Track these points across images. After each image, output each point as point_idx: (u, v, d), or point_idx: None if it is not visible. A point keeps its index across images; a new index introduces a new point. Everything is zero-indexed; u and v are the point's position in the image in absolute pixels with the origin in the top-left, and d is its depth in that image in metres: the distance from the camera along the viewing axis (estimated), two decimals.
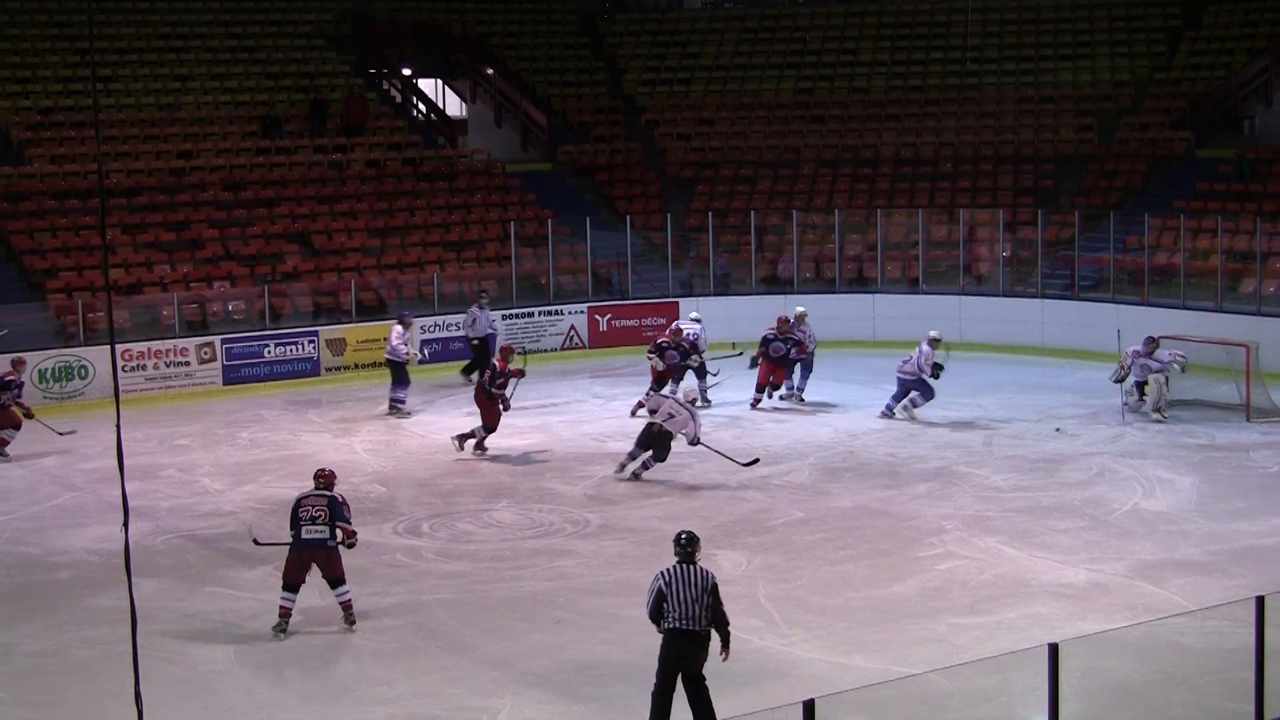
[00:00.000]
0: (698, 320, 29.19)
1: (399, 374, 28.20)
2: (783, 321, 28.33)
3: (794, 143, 41.17)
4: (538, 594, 17.98)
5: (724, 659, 13.59)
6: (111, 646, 15.98)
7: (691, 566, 13.62)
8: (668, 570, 13.62)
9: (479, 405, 25.03)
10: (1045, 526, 20.16)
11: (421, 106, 43.23)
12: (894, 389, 26.97)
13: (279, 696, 15.14)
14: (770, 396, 28.17)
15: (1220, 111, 39.66)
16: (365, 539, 20.14)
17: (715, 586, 13.61)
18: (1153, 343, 26.04)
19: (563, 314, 34.33)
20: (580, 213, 36.91)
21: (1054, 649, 11.08)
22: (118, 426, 9.89)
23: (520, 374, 25.07)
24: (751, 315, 34.45)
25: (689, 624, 13.43)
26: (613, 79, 44.26)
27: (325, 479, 17.16)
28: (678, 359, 27.60)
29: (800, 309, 29.11)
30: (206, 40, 40.30)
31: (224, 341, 30.82)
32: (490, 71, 43.37)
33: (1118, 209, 35.47)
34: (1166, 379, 26.21)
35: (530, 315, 34.00)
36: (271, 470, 24.21)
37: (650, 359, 27.86)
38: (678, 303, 35.03)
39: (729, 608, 16.99)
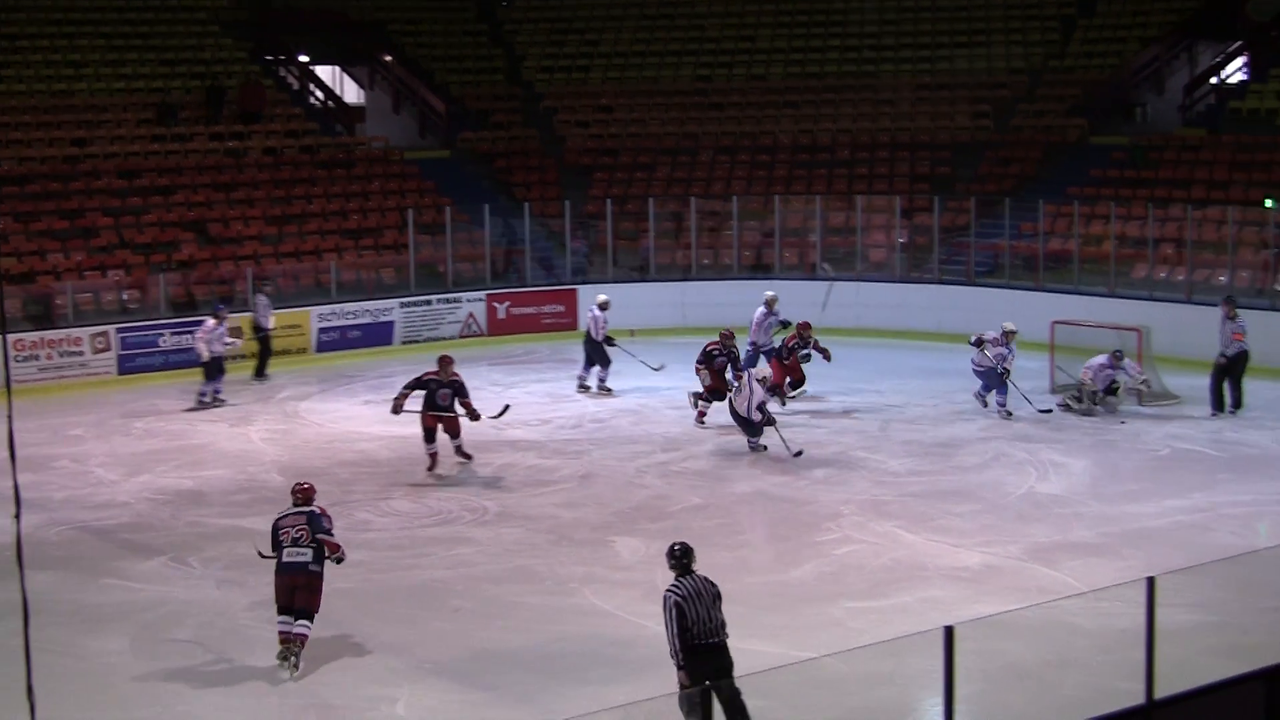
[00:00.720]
0: (604, 307, 28.81)
1: (211, 369, 27.80)
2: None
3: (692, 130, 41.24)
4: (436, 582, 17.94)
5: None
6: (3, 640, 15.77)
7: (694, 576, 12.94)
8: (676, 585, 12.83)
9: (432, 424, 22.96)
10: (941, 510, 20.32)
11: (319, 94, 42.94)
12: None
13: (175, 688, 15.01)
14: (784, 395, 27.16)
15: (1113, 99, 40.08)
16: (262, 528, 19.96)
17: (719, 594, 12.97)
18: (1119, 356, 25.80)
19: (461, 301, 34.23)
20: (479, 200, 36.81)
21: (949, 631, 11.15)
22: (9, 417, 9.77)
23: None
24: (651, 302, 34.62)
25: (713, 637, 12.74)
26: (511, 66, 44.15)
27: (304, 494, 15.95)
28: (726, 364, 26.12)
29: (771, 293, 29.11)
30: (100, 26, 39.81)
31: (119, 331, 30.50)
32: (388, 58, 43.18)
33: (1013, 195, 35.76)
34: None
35: (428, 303, 33.88)
36: (167, 460, 24.00)
37: (699, 372, 26.14)
38: (576, 290, 35.03)
39: (628, 594, 17.06)
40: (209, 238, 34.60)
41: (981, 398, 26.22)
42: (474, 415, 22.55)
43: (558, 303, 35.02)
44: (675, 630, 12.58)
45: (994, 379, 25.81)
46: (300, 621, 15.31)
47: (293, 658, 15.10)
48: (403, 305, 33.45)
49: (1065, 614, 15.98)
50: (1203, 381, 26.35)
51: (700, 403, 25.73)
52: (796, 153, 40.19)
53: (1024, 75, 41.55)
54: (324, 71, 44.57)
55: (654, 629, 16.05)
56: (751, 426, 23.27)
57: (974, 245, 34.92)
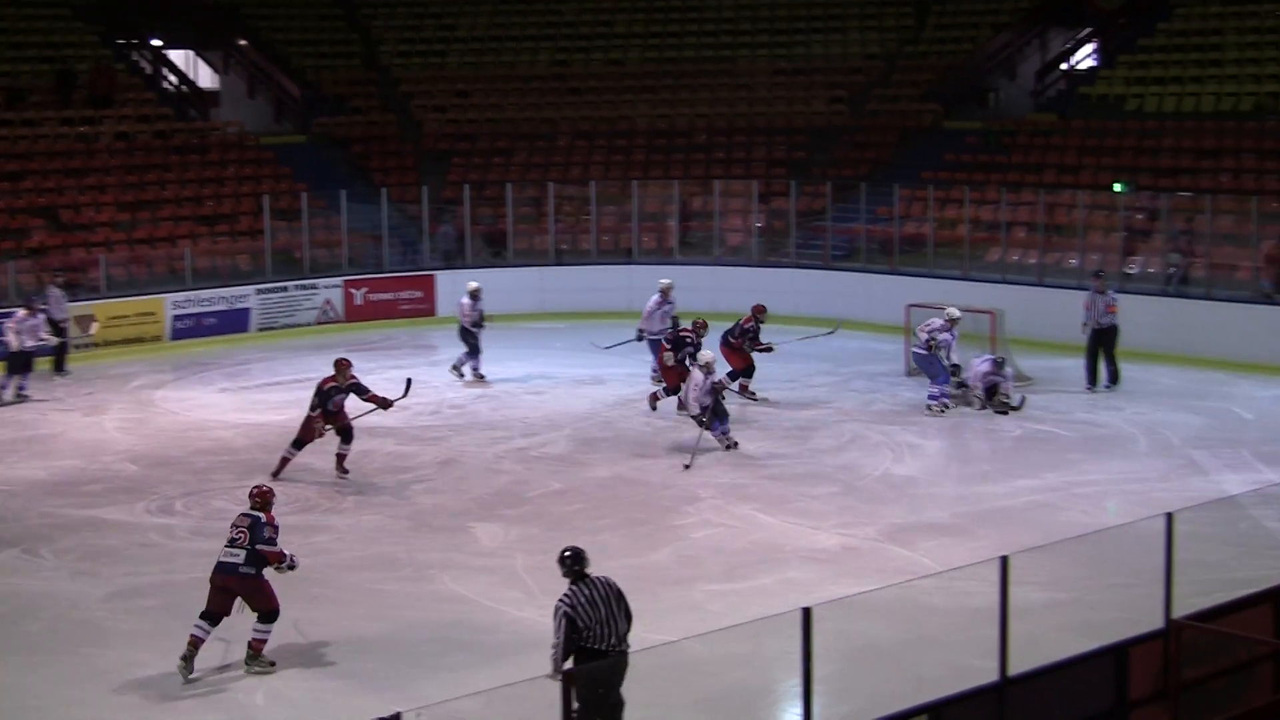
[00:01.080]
0: (474, 295, 28.15)
1: (16, 362, 26.89)
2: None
3: (550, 114, 41.20)
4: (294, 570, 17.76)
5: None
6: None
7: (590, 581, 12.71)
8: (568, 594, 12.58)
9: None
10: (799, 493, 20.47)
11: (172, 78, 42.37)
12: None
13: (27, 683, 14.77)
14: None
15: (966, 85, 40.55)
16: (116, 518, 19.87)
17: (621, 592, 12.69)
18: (1001, 364, 25.49)
19: (318, 288, 33.96)
20: (335, 185, 36.51)
21: (807, 613, 11.24)
22: None
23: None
24: (510, 287, 34.52)
25: (611, 644, 12.42)
26: (368, 50, 43.87)
27: (259, 497, 15.13)
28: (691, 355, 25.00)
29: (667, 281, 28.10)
30: None
31: None
32: (243, 43, 42.74)
33: (868, 180, 36.08)
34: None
35: (285, 290, 33.58)
36: (17, 450, 23.63)
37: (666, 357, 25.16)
38: (434, 275, 34.89)
39: (488, 579, 17.05)
40: (60, 224, 34.09)
41: (941, 402, 25.12)
42: (384, 404, 21.61)
43: (416, 289, 34.85)
44: (562, 641, 12.25)
45: (936, 368, 25.23)
46: (258, 626, 14.80)
47: (188, 661, 14.57)
48: (259, 292, 33.13)
49: (921, 594, 16.17)
50: (1055, 363, 26.81)
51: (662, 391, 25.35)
52: (654, 137, 40.28)
53: (879, 61, 41.93)
54: (177, 56, 43.93)
55: (514, 614, 16.14)
56: (699, 420, 22.57)
57: (830, 229, 35.19)
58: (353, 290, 34.33)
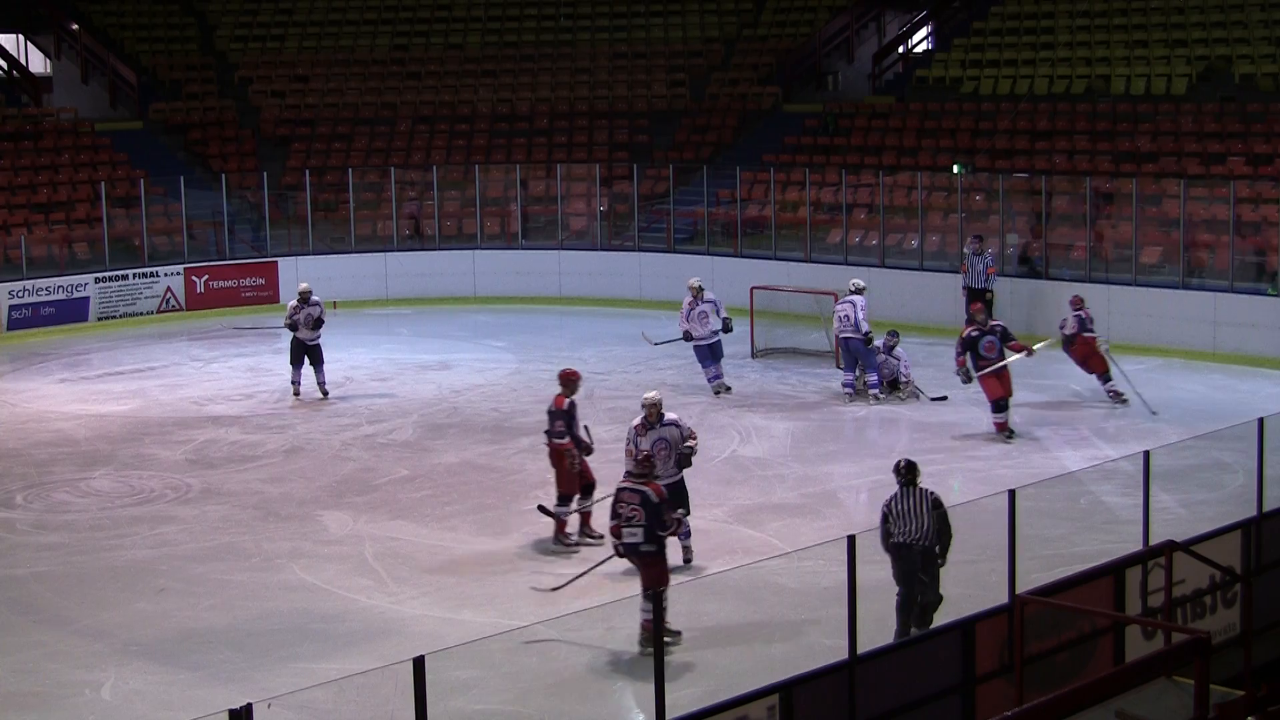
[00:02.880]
0: (310, 298, 25.99)
1: None
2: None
3: (390, 99, 40.96)
4: (139, 562, 17.62)
5: (941, 565, 14.17)
6: None
7: (912, 489, 14.34)
8: (891, 498, 14.42)
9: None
10: None
11: (2, 63, 41.60)
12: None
13: None
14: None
15: (805, 68, 40.89)
16: None
17: (939, 500, 14.36)
18: (894, 337, 25.35)
19: (159, 276, 33.52)
20: (174, 172, 36.07)
21: (657, 594, 11.34)
22: None
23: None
24: (354, 274, 34.36)
25: (913, 537, 14.09)
26: (204, 35, 43.33)
27: (647, 464, 15.49)
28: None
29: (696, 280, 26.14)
30: None
31: None
32: (75, 27, 42.02)
33: (710, 163, 36.29)
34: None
35: (125, 278, 33.12)
36: None
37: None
38: (277, 262, 34.60)
39: (337, 568, 17.01)
40: None
41: (873, 386, 24.60)
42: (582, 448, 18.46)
43: (258, 275, 34.53)
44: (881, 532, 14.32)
45: (872, 355, 24.63)
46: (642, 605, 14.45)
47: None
48: (98, 280, 32.66)
49: (770, 574, 16.33)
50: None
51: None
52: (496, 121, 40.18)
53: (719, 44, 42.14)
54: (7, 40, 43.15)
55: (364, 601, 16.11)
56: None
57: (673, 213, 35.33)
58: (194, 278, 33.93)
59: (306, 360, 25.40)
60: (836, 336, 25.18)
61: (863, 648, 12.47)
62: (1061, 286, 28.83)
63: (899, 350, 25.08)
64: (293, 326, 25.38)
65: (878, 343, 24.83)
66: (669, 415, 16.70)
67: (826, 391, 25.37)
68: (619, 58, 42.03)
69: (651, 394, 16.87)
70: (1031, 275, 30.04)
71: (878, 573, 13.96)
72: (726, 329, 25.54)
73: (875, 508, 18.86)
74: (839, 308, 24.91)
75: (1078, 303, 24.63)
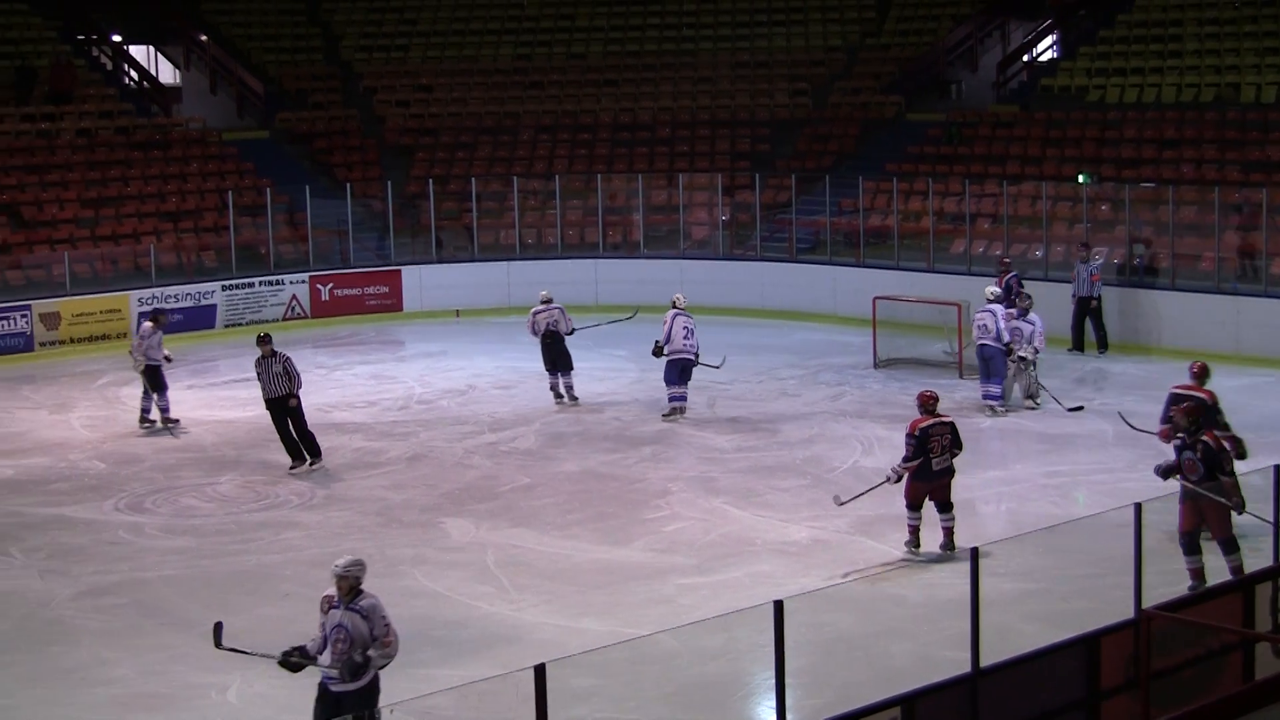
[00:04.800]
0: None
1: (158, 381, 24.63)
2: None
3: (513, 109, 41.15)
4: (264, 567, 17.79)
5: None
6: None
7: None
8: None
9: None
10: (768, 486, 20.51)
11: (133, 74, 42.22)
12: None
13: None
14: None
15: (928, 76, 40.66)
16: (84, 516, 19.85)
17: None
18: (1028, 299, 25.17)
19: (284, 284, 33.86)
20: (299, 181, 36.45)
21: (779, 606, 11.28)
22: None
23: None
24: (476, 282, 34.57)
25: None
26: (329, 45, 43.75)
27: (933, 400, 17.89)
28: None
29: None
30: None
31: None
32: (204, 38, 42.56)
33: (832, 172, 36.15)
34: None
35: (251, 285, 33.49)
36: None
37: None
38: (400, 271, 34.87)
39: (458, 575, 17.08)
40: (22, 221, 33.93)
41: (992, 398, 24.42)
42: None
43: (382, 284, 34.79)
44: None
45: (999, 362, 24.36)
46: (943, 516, 17.43)
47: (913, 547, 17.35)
48: (224, 288, 33.05)
49: (892, 586, 16.24)
50: None
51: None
52: (617, 131, 40.27)
53: (841, 53, 42.00)
54: (138, 51, 43.78)
55: (485, 609, 16.15)
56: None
57: (795, 222, 35.22)
58: (319, 286, 34.24)
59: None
60: (975, 344, 24.88)
61: (985, 661, 12.36)
62: (1187, 298, 28.52)
63: (1033, 315, 24.65)
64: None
65: (1012, 310, 24.64)
66: (368, 594, 12.23)
67: (949, 402, 25.12)
68: (741, 67, 41.99)
69: (342, 561, 12.33)
70: (1151, 286, 29.73)
71: (1001, 585, 13.86)
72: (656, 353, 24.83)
73: (1002, 519, 18.84)
74: (978, 316, 24.63)
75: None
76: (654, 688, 13.96)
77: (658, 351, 24.73)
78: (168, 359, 24.72)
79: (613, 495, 20.48)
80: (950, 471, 17.46)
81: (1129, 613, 13.15)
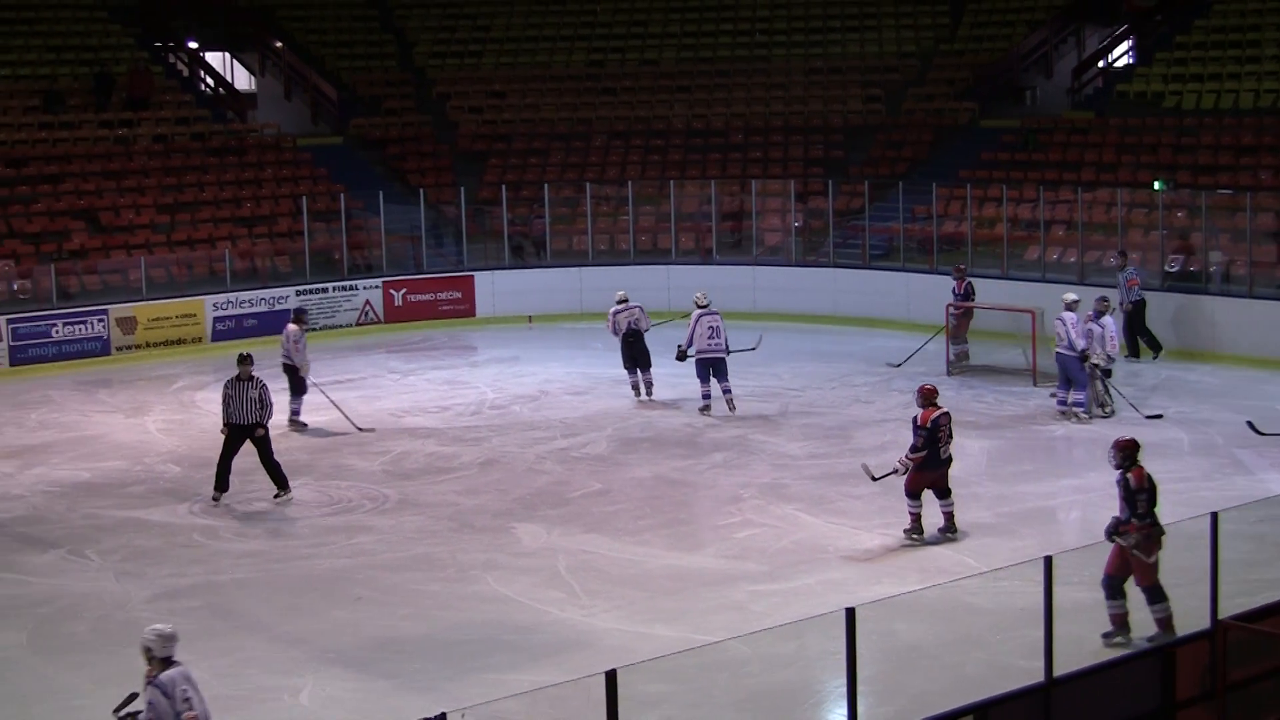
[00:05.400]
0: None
1: (298, 382, 25.13)
2: None
3: (585, 115, 41.22)
4: (336, 571, 17.87)
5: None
6: None
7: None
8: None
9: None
10: (840, 493, 20.41)
11: (209, 80, 42.56)
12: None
13: (73, 682, 14.88)
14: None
15: (1002, 82, 40.46)
16: (160, 519, 19.99)
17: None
18: (1103, 302, 24.84)
19: (357, 289, 34.02)
20: (372, 187, 36.59)
21: (851, 613, 11.24)
22: None
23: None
24: (548, 288, 34.62)
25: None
26: (403, 51, 43.95)
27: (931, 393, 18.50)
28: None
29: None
30: None
31: (9, 321, 30.12)
32: (278, 44, 42.85)
33: (905, 179, 36.00)
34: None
35: (325, 291, 33.66)
36: (62, 452, 23.76)
37: None
38: (473, 276, 34.97)
39: (529, 580, 17.10)
40: (100, 226, 34.24)
41: (1065, 403, 24.30)
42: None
43: (455, 289, 34.90)
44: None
45: (1075, 369, 24.18)
46: (942, 502, 18.40)
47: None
48: (299, 293, 33.20)
49: (964, 594, 16.13)
50: None
51: None
52: (690, 137, 40.26)
53: (914, 59, 41.87)
54: (214, 58, 44.16)
55: (556, 614, 16.16)
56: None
57: (868, 228, 35.11)
58: (392, 291, 34.38)
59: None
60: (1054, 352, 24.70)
61: (1059, 670, 12.28)
62: (1264, 306, 28.30)
63: (1106, 319, 24.36)
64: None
65: (1088, 311, 24.38)
66: (175, 666, 11.21)
67: (1023, 410, 25.04)
68: (814, 73, 41.91)
69: (147, 629, 11.43)
70: (1227, 293, 29.52)
71: (1075, 594, 13.75)
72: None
73: (1075, 527, 18.72)
74: (1055, 323, 24.50)
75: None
76: (724, 694, 13.92)
77: (681, 355, 25.31)
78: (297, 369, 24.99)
79: (684, 501, 20.47)
80: (950, 461, 18.42)
81: (1205, 623, 13.05)
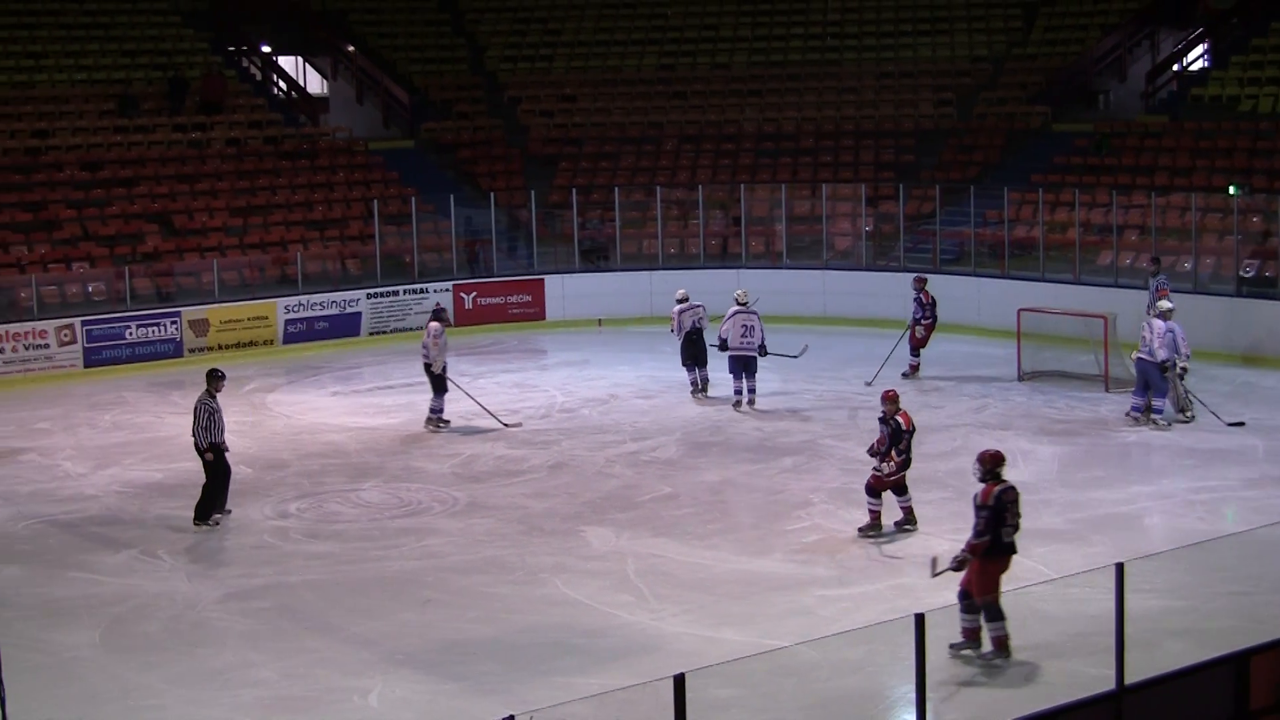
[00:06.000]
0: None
1: (438, 381, 25.13)
2: None
3: (656, 119, 41.23)
4: (406, 573, 17.93)
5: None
6: None
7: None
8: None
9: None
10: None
11: (282, 84, 42.84)
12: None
13: (145, 681, 14.99)
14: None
15: (1075, 86, 40.22)
16: (231, 520, 20.07)
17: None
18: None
19: (428, 292, 34.09)
20: (443, 190, 36.71)
21: (920, 619, 11.20)
22: None
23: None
24: (618, 291, 34.63)
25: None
26: (474, 56, 44.07)
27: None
28: None
29: None
30: (60, 17, 39.64)
31: (84, 323, 30.38)
32: (350, 49, 43.08)
33: (977, 183, 35.83)
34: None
35: (395, 294, 33.78)
36: (135, 453, 23.95)
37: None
38: (543, 280, 35.03)
39: (598, 583, 17.12)
40: (173, 229, 34.49)
41: (1139, 410, 24.12)
42: None
43: (525, 293, 34.98)
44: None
45: (1154, 376, 24.01)
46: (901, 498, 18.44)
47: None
48: (369, 296, 33.36)
49: (1035, 600, 16.02)
50: None
51: None
52: (761, 141, 40.21)
53: (987, 63, 41.67)
54: (286, 62, 44.43)
55: (625, 617, 16.16)
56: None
57: (939, 233, 34.96)
58: (463, 294, 34.46)
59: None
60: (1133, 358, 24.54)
61: (1130, 678, 12.19)
62: None
63: (1173, 323, 23.88)
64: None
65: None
66: None
67: (1095, 415, 24.88)
68: (885, 77, 41.78)
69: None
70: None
71: (1146, 601, 13.66)
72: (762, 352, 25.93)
73: (1149, 534, 18.57)
74: (1142, 327, 24.31)
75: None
76: (793, 699, 13.88)
77: (723, 346, 25.91)
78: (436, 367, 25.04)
79: (753, 506, 20.45)
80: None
81: (1279, 632, 12.93)
